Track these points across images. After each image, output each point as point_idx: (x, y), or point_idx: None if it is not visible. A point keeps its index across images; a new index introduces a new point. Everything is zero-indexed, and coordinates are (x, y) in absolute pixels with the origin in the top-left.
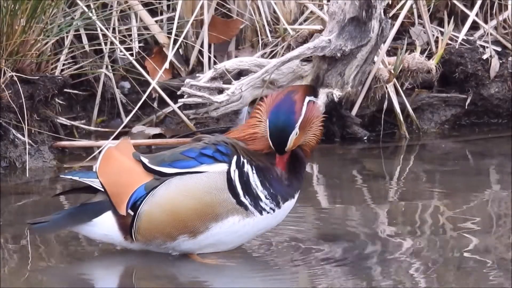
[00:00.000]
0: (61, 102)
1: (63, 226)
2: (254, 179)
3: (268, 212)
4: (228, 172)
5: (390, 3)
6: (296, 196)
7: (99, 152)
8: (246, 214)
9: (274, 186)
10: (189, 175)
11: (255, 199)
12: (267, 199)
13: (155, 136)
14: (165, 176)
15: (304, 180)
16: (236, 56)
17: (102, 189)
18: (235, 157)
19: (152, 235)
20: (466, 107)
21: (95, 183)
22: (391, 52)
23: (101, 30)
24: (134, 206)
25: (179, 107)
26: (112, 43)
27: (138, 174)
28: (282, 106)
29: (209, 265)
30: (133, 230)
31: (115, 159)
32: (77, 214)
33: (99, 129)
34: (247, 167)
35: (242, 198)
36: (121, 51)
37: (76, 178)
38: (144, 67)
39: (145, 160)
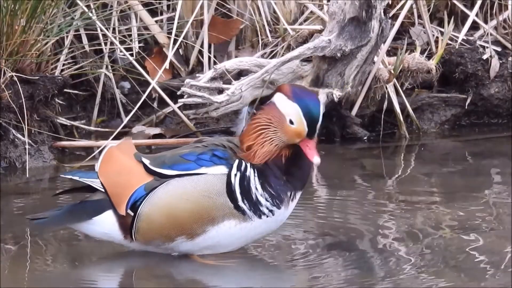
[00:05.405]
0: (61, 102)
1: (62, 223)
2: (255, 183)
3: (267, 216)
4: (228, 176)
5: (390, 3)
6: (298, 195)
7: (99, 152)
8: (243, 219)
9: (274, 187)
10: (187, 177)
11: (255, 204)
12: (267, 201)
13: (155, 136)
14: (165, 178)
15: (307, 180)
16: (236, 56)
17: (103, 190)
18: (236, 161)
19: (151, 236)
20: (466, 107)
21: (95, 183)
22: (391, 52)
23: (101, 30)
24: (134, 206)
25: (179, 107)
26: (112, 43)
27: (139, 175)
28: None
29: (209, 265)
30: (133, 231)
31: (116, 159)
32: (77, 212)
33: (99, 129)
34: (250, 171)
35: (240, 203)
36: (121, 51)
37: (76, 178)
38: (144, 67)
39: (146, 161)
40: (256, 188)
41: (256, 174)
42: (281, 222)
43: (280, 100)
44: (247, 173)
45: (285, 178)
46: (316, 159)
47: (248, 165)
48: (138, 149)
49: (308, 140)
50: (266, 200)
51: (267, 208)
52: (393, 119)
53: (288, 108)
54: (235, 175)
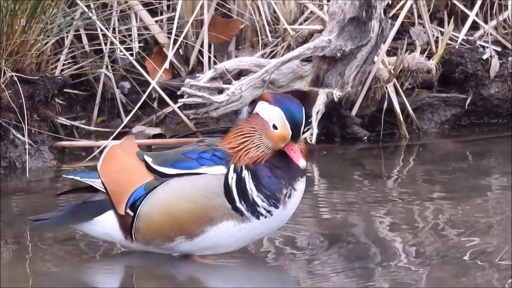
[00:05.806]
0: (61, 102)
1: (64, 224)
2: (250, 184)
3: (265, 217)
4: (226, 177)
5: (390, 3)
6: (299, 186)
7: (100, 152)
8: (241, 220)
9: (268, 188)
10: (186, 176)
11: (252, 206)
12: (264, 202)
13: (155, 136)
14: (165, 177)
15: (304, 178)
16: (236, 56)
17: (103, 189)
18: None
19: (150, 236)
20: (466, 107)
21: (96, 183)
22: (391, 52)
23: (101, 30)
24: (134, 206)
25: (179, 107)
26: (112, 43)
27: (139, 174)
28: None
29: (209, 265)
30: (132, 230)
31: (117, 158)
32: (79, 212)
33: (99, 129)
34: (245, 172)
35: (238, 204)
36: (121, 51)
37: (78, 178)
38: (144, 67)
39: (148, 160)
40: (251, 190)
41: (250, 176)
42: (282, 222)
43: (262, 107)
44: (243, 175)
45: (277, 174)
46: (301, 162)
47: (243, 166)
48: (140, 149)
49: (292, 143)
50: (262, 201)
51: (265, 209)
52: (393, 119)
53: (270, 113)
54: (232, 177)
